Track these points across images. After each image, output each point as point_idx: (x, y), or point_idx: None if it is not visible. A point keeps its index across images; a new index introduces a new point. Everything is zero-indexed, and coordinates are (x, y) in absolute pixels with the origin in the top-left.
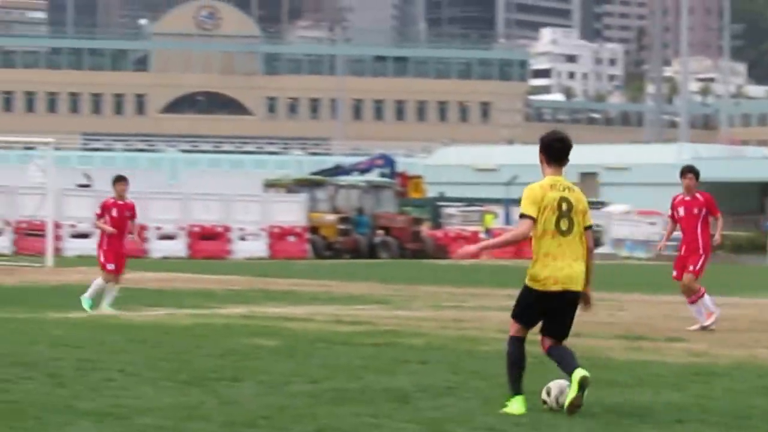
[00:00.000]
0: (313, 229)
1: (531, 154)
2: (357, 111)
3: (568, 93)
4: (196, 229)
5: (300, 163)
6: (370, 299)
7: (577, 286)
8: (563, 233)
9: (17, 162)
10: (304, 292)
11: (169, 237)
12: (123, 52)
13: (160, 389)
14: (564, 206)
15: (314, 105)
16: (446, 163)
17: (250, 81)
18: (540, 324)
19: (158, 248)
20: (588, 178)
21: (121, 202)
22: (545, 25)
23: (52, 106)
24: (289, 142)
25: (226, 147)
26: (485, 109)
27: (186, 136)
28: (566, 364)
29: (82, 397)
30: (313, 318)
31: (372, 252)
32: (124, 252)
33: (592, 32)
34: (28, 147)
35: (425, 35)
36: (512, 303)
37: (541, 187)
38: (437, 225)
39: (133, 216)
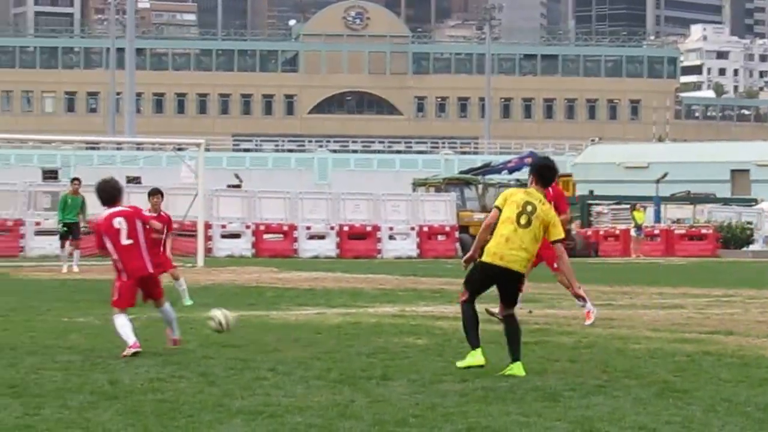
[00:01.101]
0: (463, 228)
1: (682, 151)
2: (506, 110)
3: (719, 90)
4: (346, 228)
5: (449, 162)
6: (520, 298)
7: (517, 268)
8: (521, 225)
9: (168, 163)
10: (454, 290)
11: (319, 236)
12: (272, 53)
13: (311, 388)
14: (528, 208)
15: (463, 104)
16: (595, 161)
17: (398, 81)
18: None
19: (308, 248)
20: (739, 175)
21: (155, 215)
22: (695, 21)
23: (202, 107)
24: (438, 141)
25: (375, 147)
26: (635, 107)
27: (335, 136)
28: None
29: (233, 396)
30: None
31: None
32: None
33: (743, 28)
34: (179, 148)
35: (574, 33)
36: (662, 301)
37: (517, 190)
38: (587, 223)
39: (169, 228)
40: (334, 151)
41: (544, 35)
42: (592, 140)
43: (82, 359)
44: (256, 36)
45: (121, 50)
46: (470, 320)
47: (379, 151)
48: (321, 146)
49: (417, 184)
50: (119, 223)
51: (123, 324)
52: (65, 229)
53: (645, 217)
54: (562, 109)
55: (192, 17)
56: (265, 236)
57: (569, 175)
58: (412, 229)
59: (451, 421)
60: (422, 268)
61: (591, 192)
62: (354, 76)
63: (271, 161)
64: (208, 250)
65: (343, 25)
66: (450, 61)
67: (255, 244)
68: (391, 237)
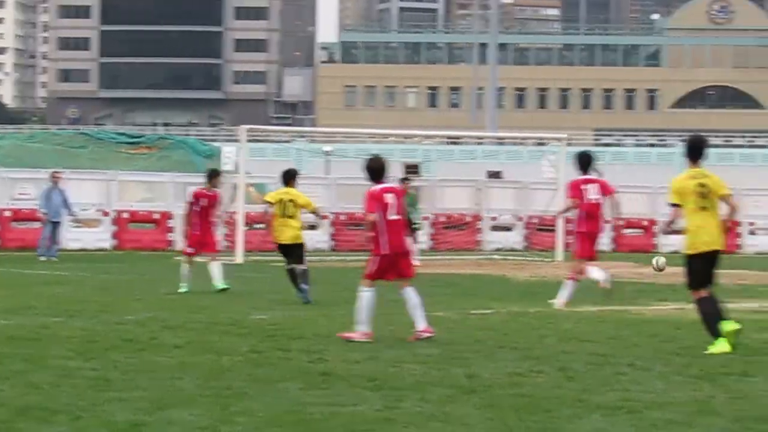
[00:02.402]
0: None
1: None
2: None
3: None
4: None
5: None
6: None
7: (719, 246)
8: (703, 209)
9: (529, 158)
10: None
11: (678, 232)
12: (635, 48)
13: (671, 383)
14: (701, 190)
15: None
16: None
17: (763, 74)
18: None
19: (668, 242)
20: None
21: (209, 193)
22: None
23: (564, 102)
24: None
25: (736, 141)
26: None
27: (696, 130)
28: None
29: (592, 391)
30: None
31: None
32: (209, 237)
33: None
34: (540, 143)
35: None
36: None
37: (683, 179)
38: None
39: (219, 205)
40: None
41: None
42: None
43: (440, 352)
44: (618, 30)
45: (484, 45)
46: (711, 311)
47: (740, 146)
48: (682, 141)
49: None
50: (390, 198)
51: (368, 302)
52: None
53: None
54: None
55: (555, 12)
56: (625, 231)
57: None
58: None
59: None
60: None
61: None
62: (717, 71)
63: (631, 156)
64: (567, 245)
65: (707, 19)
66: None
67: (614, 239)
68: (751, 232)
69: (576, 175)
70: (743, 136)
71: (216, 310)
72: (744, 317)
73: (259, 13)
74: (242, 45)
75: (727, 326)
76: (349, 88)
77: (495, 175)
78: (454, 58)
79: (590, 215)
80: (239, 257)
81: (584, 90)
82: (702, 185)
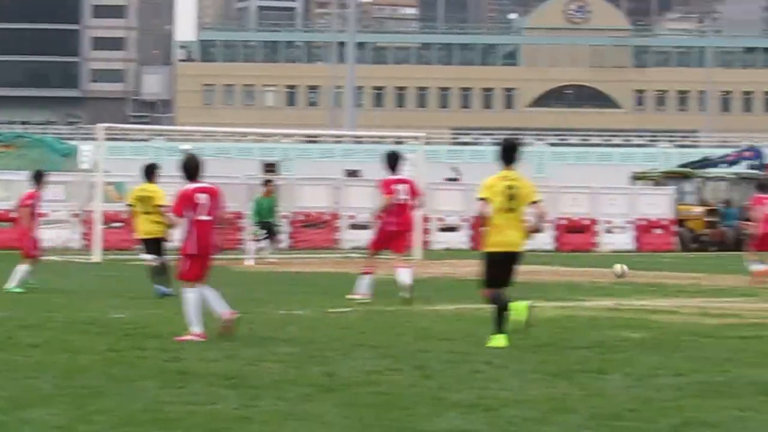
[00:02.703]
0: (680, 222)
1: None
2: (725, 103)
3: None
4: (564, 221)
5: (667, 156)
6: (737, 292)
7: (518, 248)
8: (509, 210)
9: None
10: (671, 284)
11: (536, 231)
12: (492, 47)
13: (527, 381)
14: (510, 192)
15: (682, 97)
16: None
17: (619, 74)
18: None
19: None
20: None
21: (39, 194)
22: None
23: (422, 101)
24: (657, 134)
25: (593, 140)
26: None
27: (554, 129)
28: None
29: (449, 389)
30: (678, 311)
31: (738, 245)
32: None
33: None
34: (398, 141)
35: None
36: None
37: (495, 178)
38: None
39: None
40: (553, 145)
41: (765, 28)
42: None
43: (299, 351)
44: (476, 29)
45: (342, 44)
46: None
47: (597, 145)
48: (540, 140)
49: (636, 178)
50: (202, 198)
51: (196, 303)
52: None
53: None
54: None
55: (413, 11)
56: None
57: None
58: (630, 222)
59: (666, 415)
60: (639, 262)
61: None
62: (574, 70)
63: (489, 155)
64: (425, 243)
65: (564, 19)
66: (670, 54)
67: (472, 237)
68: (608, 230)
69: (385, 174)
70: (600, 135)
71: (73, 309)
72: (600, 315)
73: (116, 11)
74: (100, 43)
75: (519, 306)
76: (208, 87)
77: (353, 173)
78: (313, 57)
79: (398, 213)
80: (97, 256)
81: (442, 89)
82: (510, 187)
